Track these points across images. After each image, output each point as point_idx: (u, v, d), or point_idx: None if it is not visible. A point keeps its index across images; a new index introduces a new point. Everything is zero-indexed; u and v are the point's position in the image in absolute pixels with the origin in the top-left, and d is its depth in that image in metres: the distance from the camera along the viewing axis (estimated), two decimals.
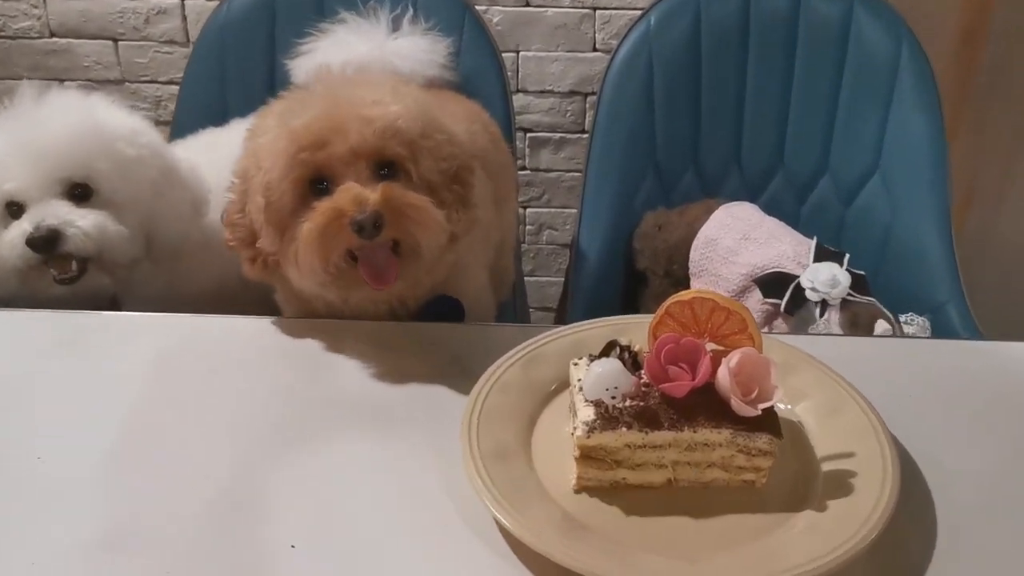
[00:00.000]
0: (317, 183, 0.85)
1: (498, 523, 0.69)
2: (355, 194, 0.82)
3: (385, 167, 0.85)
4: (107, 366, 0.89)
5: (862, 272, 1.28)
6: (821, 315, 1.24)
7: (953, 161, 1.76)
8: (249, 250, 0.90)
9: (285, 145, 0.83)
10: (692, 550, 0.68)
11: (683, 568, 0.66)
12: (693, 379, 0.71)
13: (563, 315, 1.45)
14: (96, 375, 0.88)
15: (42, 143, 1.02)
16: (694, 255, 1.40)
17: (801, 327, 1.25)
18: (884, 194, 1.44)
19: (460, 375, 0.86)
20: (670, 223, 1.44)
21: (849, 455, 0.74)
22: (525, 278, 2.05)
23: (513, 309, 1.43)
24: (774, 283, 1.30)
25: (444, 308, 0.97)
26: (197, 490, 0.74)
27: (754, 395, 0.70)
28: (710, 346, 0.74)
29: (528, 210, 2.00)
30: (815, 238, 1.32)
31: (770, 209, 1.46)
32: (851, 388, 0.80)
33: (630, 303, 1.47)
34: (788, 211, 1.49)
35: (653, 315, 0.76)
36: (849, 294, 1.25)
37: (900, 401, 0.82)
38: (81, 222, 1.01)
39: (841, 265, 1.28)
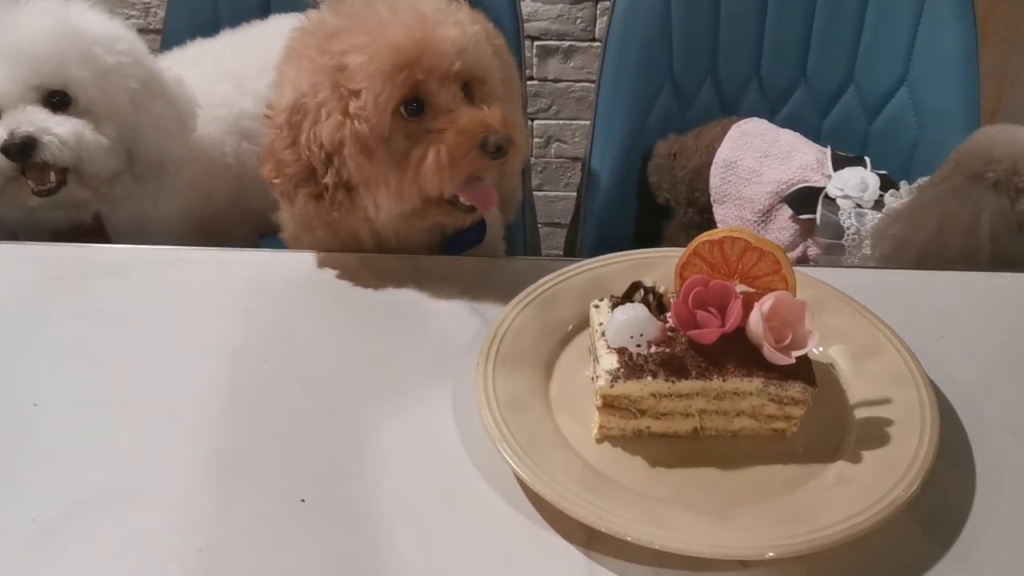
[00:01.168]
0: (408, 104, 0.81)
1: (516, 475, 0.65)
2: (481, 117, 0.81)
3: (465, 86, 0.83)
4: (102, 304, 0.85)
5: (884, 172, 1.24)
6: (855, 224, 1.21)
7: (982, 71, 1.68)
8: (309, 186, 0.83)
9: (383, 64, 0.78)
10: (721, 504, 0.65)
11: (712, 523, 0.62)
12: (723, 325, 0.66)
13: (575, 236, 1.40)
14: (91, 314, 0.84)
15: (16, 47, 0.97)
16: (714, 181, 1.34)
17: (833, 233, 1.21)
18: (911, 108, 1.38)
19: (472, 312, 0.83)
20: (686, 149, 1.38)
21: (885, 402, 0.70)
22: (533, 193, 2.00)
23: (522, 228, 1.38)
24: (802, 198, 1.25)
25: (473, 233, 0.95)
26: (201, 440, 0.71)
27: (788, 341, 0.66)
28: (741, 288, 0.69)
29: (535, 122, 1.93)
30: (829, 147, 1.27)
31: (791, 124, 1.40)
32: (888, 329, 0.76)
33: (654, 235, 1.41)
34: (810, 126, 1.42)
35: (676, 249, 0.72)
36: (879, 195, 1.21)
37: (939, 342, 0.79)
38: (57, 129, 0.97)
39: (865, 168, 1.23)
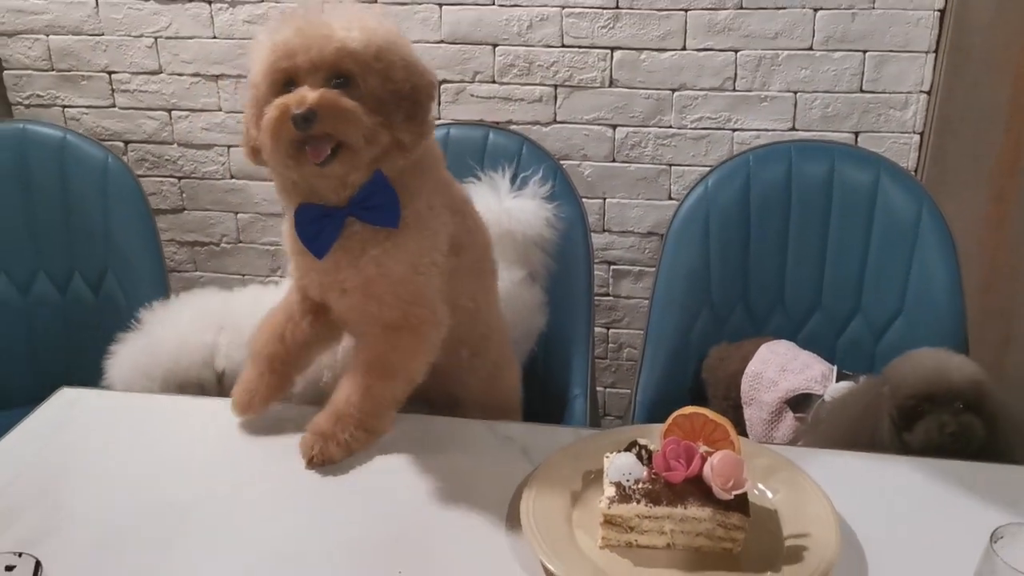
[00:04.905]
0: (287, 85, 1.09)
1: (545, 568, 0.97)
2: (300, 95, 1.05)
3: (340, 79, 1.08)
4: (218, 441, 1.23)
5: None
6: None
7: (991, 306, 1.99)
8: (246, 139, 1.16)
9: (266, 55, 1.10)
10: None
11: None
12: (687, 470, 0.99)
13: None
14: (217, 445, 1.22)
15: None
16: (744, 387, 1.66)
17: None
18: (909, 332, 1.69)
19: (526, 462, 1.17)
20: (729, 356, 1.72)
21: (806, 535, 1.00)
22: (607, 389, 2.35)
23: (586, 416, 1.71)
24: (802, 401, 1.56)
25: (380, 190, 1.15)
26: (334, 530, 1.05)
27: (730, 484, 0.97)
28: (702, 448, 1.02)
29: (610, 331, 2.30)
30: (836, 365, 1.58)
31: (809, 343, 1.72)
32: (818, 487, 1.06)
33: None
34: (826, 345, 1.74)
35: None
36: None
37: (860, 501, 1.08)
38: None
39: (856, 382, 1.54)
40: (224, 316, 1.54)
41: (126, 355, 1.49)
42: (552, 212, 1.72)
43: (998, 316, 2.05)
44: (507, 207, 1.68)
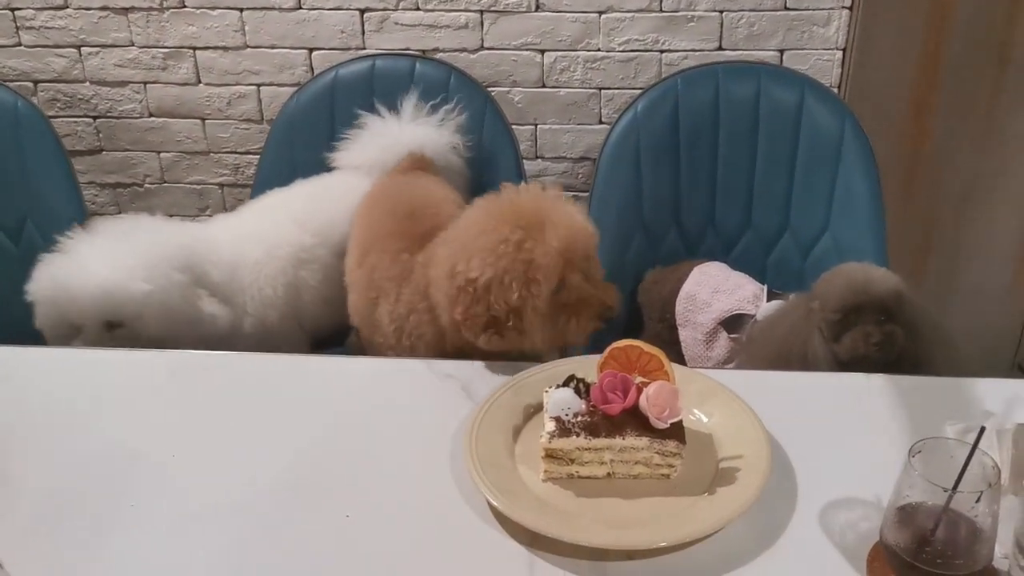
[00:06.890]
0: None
1: (489, 504, 0.99)
2: (600, 299, 1.27)
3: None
4: (202, 395, 1.23)
5: None
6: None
7: (911, 215, 2.05)
8: (494, 327, 1.22)
9: (556, 264, 1.20)
10: (623, 521, 0.98)
11: (616, 532, 0.96)
12: (624, 402, 1.01)
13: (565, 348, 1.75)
14: (202, 401, 1.22)
15: None
16: (678, 308, 1.69)
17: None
18: (834, 248, 1.73)
19: (467, 399, 1.18)
20: (663, 279, 1.75)
21: (740, 456, 1.04)
22: None
23: None
24: (735, 321, 1.60)
25: None
26: (288, 477, 1.06)
27: (666, 413, 1.00)
28: (638, 379, 1.04)
29: None
30: (766, 285, 1.62)
31: (740, 262, 1.76)
32: (750, 409, 1.10)
33: None
34: (756, 263, 1.79)
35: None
36: None
37: (790, 420, 1.12)
38: None
39: (786, 301, 1.58)
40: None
41: None
42: (459, 140, 1.74)
43: (918, 225, 2.12)
44: (402, 133, 1.69)
